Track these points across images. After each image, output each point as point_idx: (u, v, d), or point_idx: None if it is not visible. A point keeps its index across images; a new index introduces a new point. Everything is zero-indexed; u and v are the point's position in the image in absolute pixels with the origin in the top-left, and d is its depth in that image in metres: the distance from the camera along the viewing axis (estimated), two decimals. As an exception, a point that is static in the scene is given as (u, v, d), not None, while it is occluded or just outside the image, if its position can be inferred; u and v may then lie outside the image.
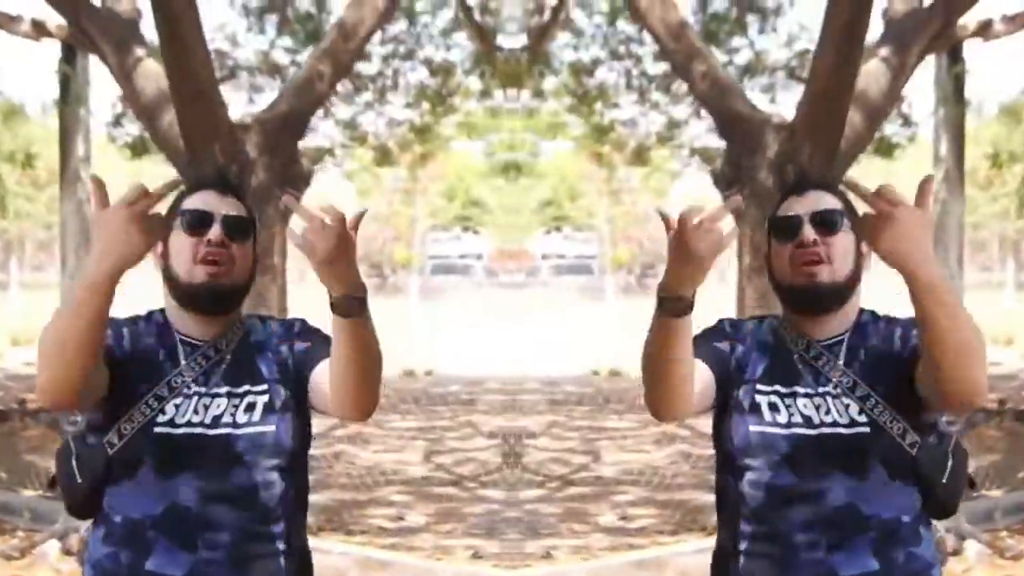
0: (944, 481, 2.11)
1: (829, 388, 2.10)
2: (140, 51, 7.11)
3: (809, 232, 2.07)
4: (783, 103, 10.08)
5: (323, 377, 2.09)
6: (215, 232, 2.06)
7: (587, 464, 8.32)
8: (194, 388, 2.09)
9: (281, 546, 2.13)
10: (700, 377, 2.11)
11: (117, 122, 9.48)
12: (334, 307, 1.89)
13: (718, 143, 11.61)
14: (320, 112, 9.88)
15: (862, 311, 2.20)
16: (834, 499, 2.05)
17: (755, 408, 2.12)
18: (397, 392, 10.25)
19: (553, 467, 8.08)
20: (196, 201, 2.10)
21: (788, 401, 2.11)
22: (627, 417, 9.61)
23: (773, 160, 6.51)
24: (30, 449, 8.26)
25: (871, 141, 7.66)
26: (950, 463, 2.11)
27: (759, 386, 2.14)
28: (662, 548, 6.30)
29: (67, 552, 5.85)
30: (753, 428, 2.10)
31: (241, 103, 8.29)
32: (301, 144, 9.85)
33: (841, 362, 2.12)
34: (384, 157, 10.73)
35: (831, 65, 5.87)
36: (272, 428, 2.09)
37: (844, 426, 2.07)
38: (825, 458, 2.06)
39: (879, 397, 2.08)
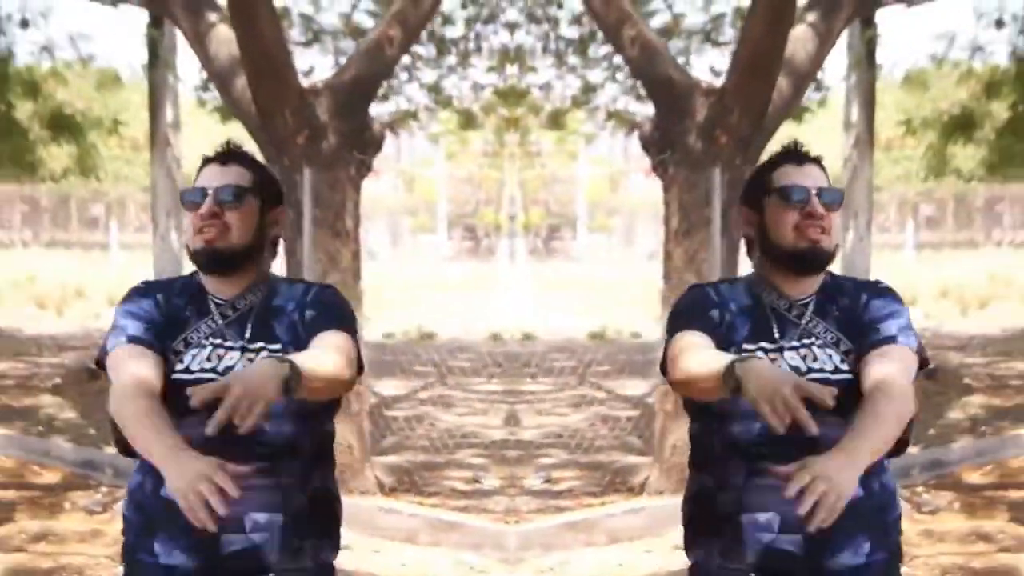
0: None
1: (814, 340, 2.41)
2: (213, 16, 7.02)
3: (817, 205, 2.38)
4: (697, 67, 10.13)
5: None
6: (206, 206, 2.35)
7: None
8: (210, 340, 2.37)
9: (292, 481, 2.35)
10: (708, 347, 2.36)
11: (205, 86, 9.47)
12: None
13: (635, 107, 11.74)
14: (404, 75, 9.82)
15: (827, 271, 2.52)
16: (824, 437, 2.20)
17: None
18: (482, 356, 10.16)
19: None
20: (197, 180, 2.41)
21: (774, 355, 2.39)
22: (541, 380, 9.71)
23: (702, 124, 6.54)
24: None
25: (797, 106, 7.79)
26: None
27: (745, 345, 2.40)
28: (592, 510, 6.48)
29: None
30: None
31: (327, 67, 8.27)
32: (384, 108, 9.75)
33: (814, 314, 2.44)
34: (468, 121, 10.62)
35: (762, 31, 5.93)
36: None
37: (830, 372, 2.36)
38: (813, 402, 2.18)
39: (855, 349, 2.40)
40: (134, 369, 2.29)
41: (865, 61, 11.46)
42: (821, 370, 2.36)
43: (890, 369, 2.30)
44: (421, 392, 9.41)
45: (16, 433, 7.77)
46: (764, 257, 2.49)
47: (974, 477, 7.07)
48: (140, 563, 2.37)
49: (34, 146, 11.19)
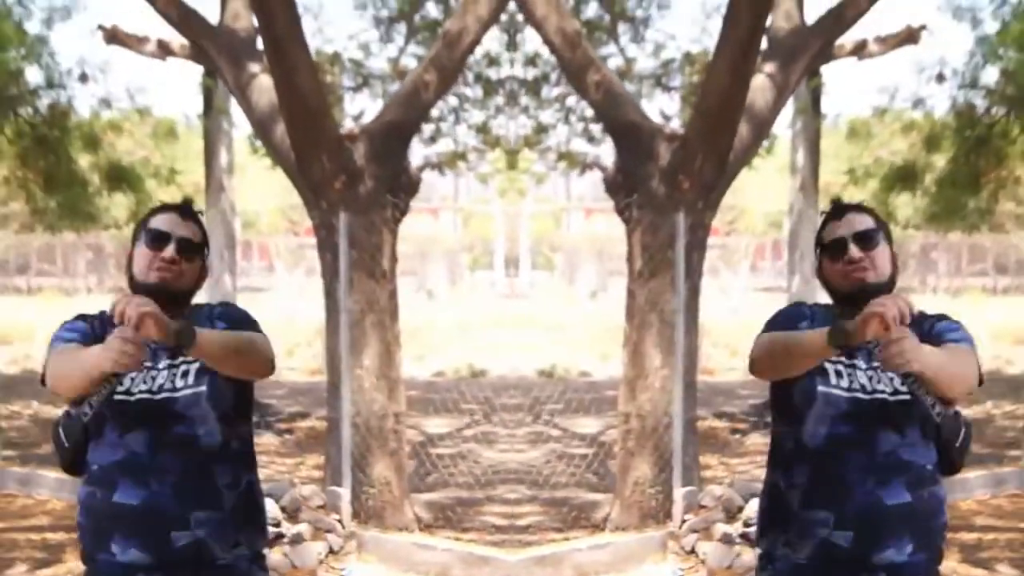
0: (957, 444, 2.67)
1: (879, 364, 2.57)
2: (255, 67, 7.12)
3: (855, 250, 2.66)
4: (648, 110, 10.28)
5: None
6: (169, 251, 2.66)
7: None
8: (144, 363, 2.54)
9: (224, 480, 2.68)
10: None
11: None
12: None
13: (585, 148, 11.85)
14: (452, 117, 9.81)
15: None
16: (881, 448, 2.63)
17: (824, 373, 2.66)
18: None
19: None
20: (159, 222, 2.70)
21: (849, 371, 2.67)
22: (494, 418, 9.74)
23: (665, 169, 6.60)
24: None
25: (756, 152, 7.92)
26: (963, 432, 2.67)
27: (829, 359, 2.63)
28: (557, 545, 6.48)
29: None
30: (821, 388, 2.65)
31: (376, 109, 8.13)
32: (433, 149, 9.97)
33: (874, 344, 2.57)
34: (514, 160, 10.64)
35: (725, 82, 5.97)
36: (204, 388, 2.65)
37: (890, 394, 2.62)
38: (875, 416, 2.63)
39: (915, 375, 2.53)
40: (62, 348, 2.60)
41: (811, 109, 11.70)
42: (884, 391, 2.63)
43: (959, 344, 2.60)
44: (465, 431, 9.51)
45: (69, 477, 7.75)
46: (832, 299, 2.78)
47: None
48: (100, 562, 2.65)
49: (93, 197, 11.21)
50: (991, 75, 11.21)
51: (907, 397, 2.60)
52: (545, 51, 7.87)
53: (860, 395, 2.64)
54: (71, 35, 10.49)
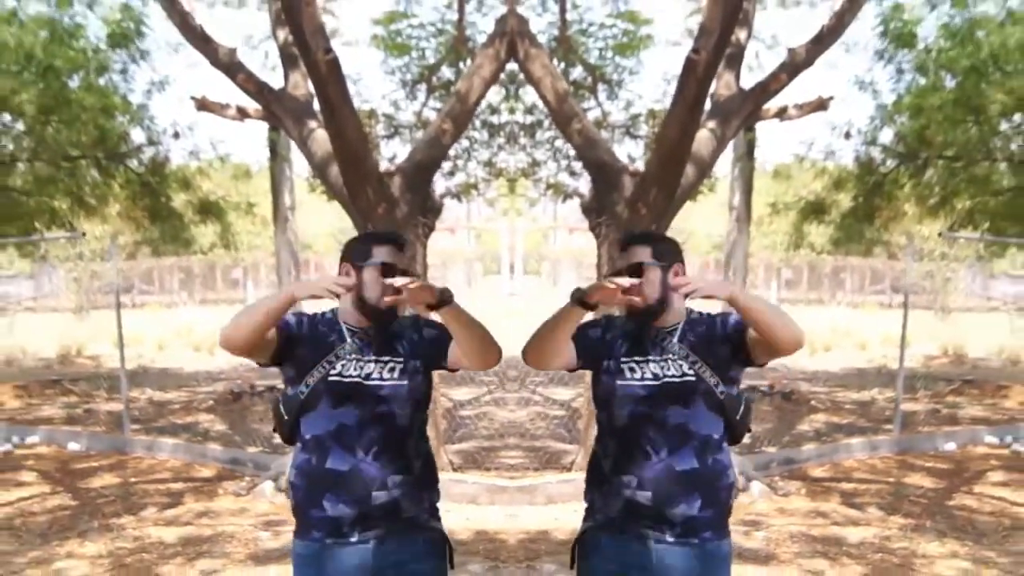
0: (738, 418, 2.67)
1: (670, 356, 2.66)
2: (312, 123, 7.32)
3: (625, 281, 2.55)
4: (619, 153, 10.57)
5: (456, 353, 2.71)
6: (399, 281, 2.60)
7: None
8: (353, 356, 2.68)
9: (412, 451, 2.71)
10: (568, 351, 2.70)
11: (314, 175, 9.92)
12: (434, 308, 2.56)
13: (568, 180, 12.09)
14: (465, 155, 10.11)
15: (690, 310, 2.76)
16: (672, 421, 2.63)
17: (620, 371, 2.67)
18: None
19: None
20: (383, 254, 2.69)
21: (643, 365, 2.66)
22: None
23: (628, 198, 6.76)
24: (256, 420, 9.40)
25: (699, 188, 8.13)
26: (742, 407, 2.68)
27: (623, 358, 2.68)
28: (534, 478, 6.80)
29: (278, 489, 6.55)
30: (619, 382, 2.66)
31: (405, 152, 8.49)
32: (451, 182, 10.09)
33: (676, 339, 2.68)
34: (513, 187, 10.98)
35: (676, 134, 6.07)
36: (405, 383, 2.68)
37: (678, 377, 2.64)
38: (665, 396, 2.63)
39: (703, 362, 2.64)
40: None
41: (746, 157, 11.94)
42: (672, 376, 2.64)
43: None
44: (484, 396, 9.76)
45: (182, 441, 8.27)
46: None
47: (816, 472, 7.33)
48: (312, 516, 2.65)
49: (187, 227, 11.84)
50: (887, 135, 11.58)
51: (692, 378, 2.63)
52: (540, 103, 8.08)
53: (651, 382, 2.63)
54: (166, 102, 11.01)
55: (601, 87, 11.37)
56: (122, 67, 11.18)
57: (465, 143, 10.02)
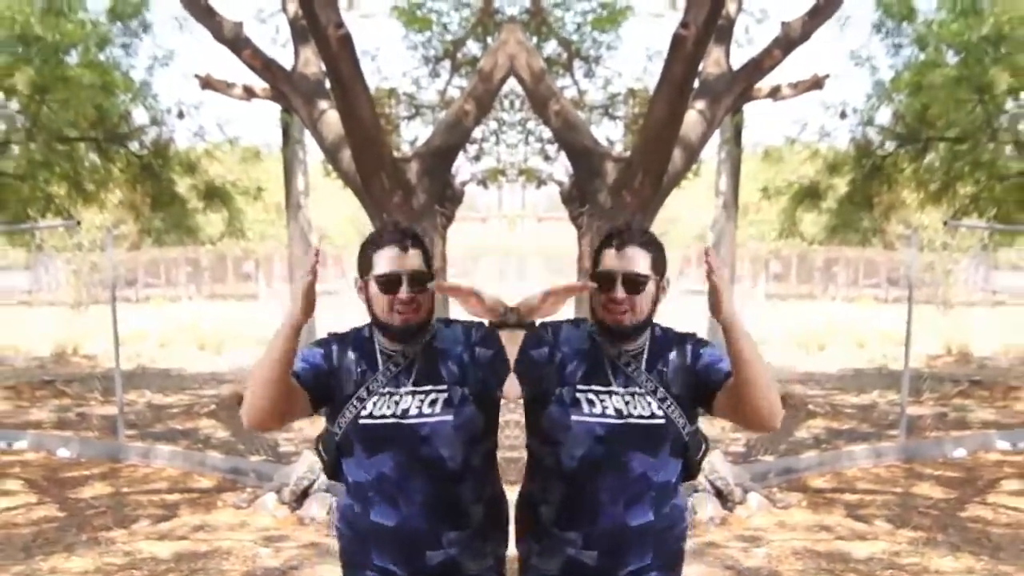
0: (698, 458, 2.54)
1: (636, 388, 2.42)
2: (324, 104, 7.27)
3: (620, 292, 2.36)
4: (598, 137, 10.59)
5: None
6: (404, 292, 2.39)
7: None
8: (387, 388, 2.41)
9: (469, 496, 2.45)
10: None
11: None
12: (500, 326, 2.35)
13: (543, 166, 12.05)
14: (493, 139, 10.01)
15: (653, 326, 2.50)
16: (635, 470, 2.40)
17: (576, 403, 2.41)
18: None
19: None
20: (384, 263, 2.40)
21: (603, 397, 2.41)
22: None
23: (612, 186, 6.84)
24: (258, 427, 8.90)
25: (687, 174, 8.17)
26: (703, 448, 2.54)
27: (579, 386, 2.42)
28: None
29: (281, 501, 6.41)
30: (575, 418, 2.39)
31: (427, 136, 8.26)
32: (478, 167, 10.05)
33: (643, 367, 2.43)
34: (532, 173, 10.94)
35: (663, 115, 6.18)
36: (450, 418, 2.40)
37: (646, 418, 2.40)
38: (629, 440, 2.39)
39: (672, 398, 2.42)
40: None
41: (733, 140, 11.98)
42: (640, 416, 2.40)
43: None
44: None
45: (180, 448, 8.09)
46: (592, 318, 2.48)
47: (817, 482, 7.28)
48: (362, 570, 2.48)
49: (192, 214, 11.68)
50: (885, 115, 11.60)
51: (661, 420, 2.40)
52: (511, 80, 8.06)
53: (612, 420, 2.39)
54: (170, 79, 10.95)
55: (577, 64, 11.38)
56: (123, 41, 11.11)
57: (493, 124, 9.97)
